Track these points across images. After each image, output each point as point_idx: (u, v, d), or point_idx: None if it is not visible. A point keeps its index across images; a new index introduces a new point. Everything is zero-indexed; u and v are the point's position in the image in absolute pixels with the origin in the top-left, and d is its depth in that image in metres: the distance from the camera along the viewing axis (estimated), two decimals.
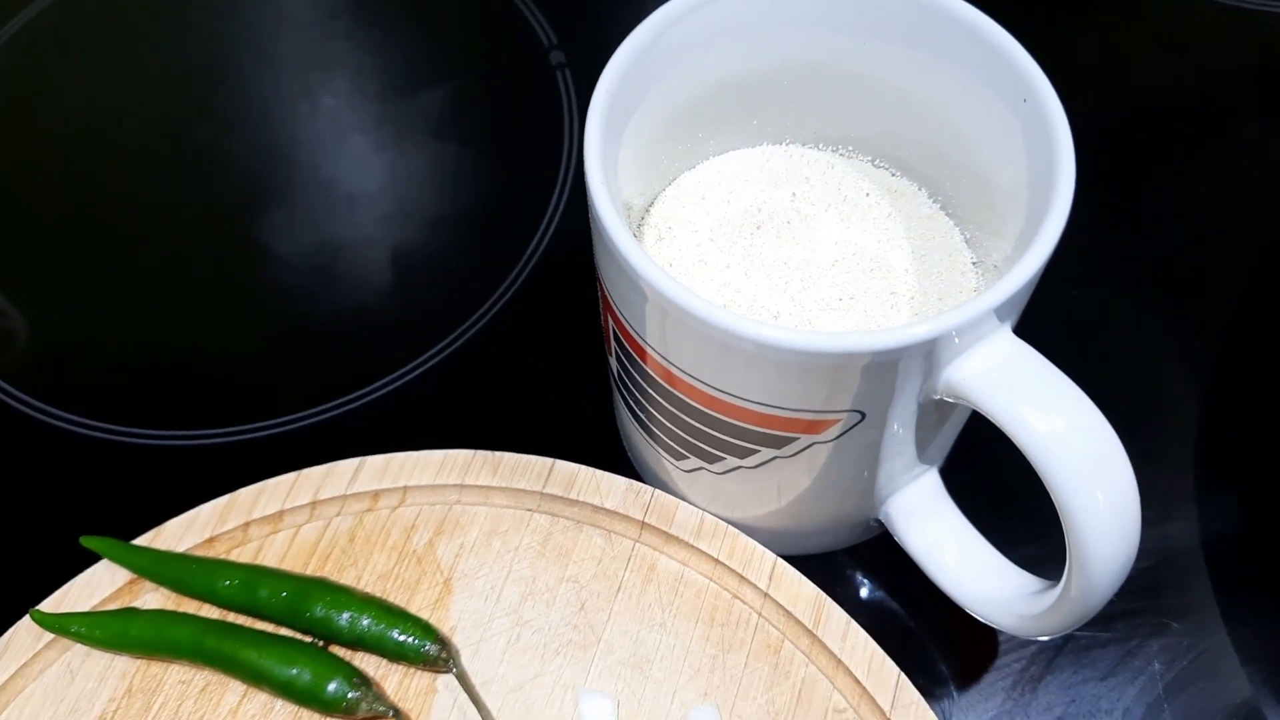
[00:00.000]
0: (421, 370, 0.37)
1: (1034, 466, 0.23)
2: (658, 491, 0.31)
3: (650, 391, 0.28)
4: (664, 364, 0.26)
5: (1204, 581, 0.33)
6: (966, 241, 0.30)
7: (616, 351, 0.28)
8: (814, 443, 0.26)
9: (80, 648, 0.30)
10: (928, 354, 0.23)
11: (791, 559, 0.31)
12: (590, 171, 0.24)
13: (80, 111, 0.45)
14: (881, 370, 0.23)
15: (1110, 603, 0.32)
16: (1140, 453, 0.34)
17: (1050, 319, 0.36)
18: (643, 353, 0.26)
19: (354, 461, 0.32)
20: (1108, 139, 0.41)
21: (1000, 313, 0.23)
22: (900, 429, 0.26)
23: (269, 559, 0.31)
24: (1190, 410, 0.35)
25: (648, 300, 0.24)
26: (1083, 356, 0.36)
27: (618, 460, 0.34)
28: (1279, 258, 0.38)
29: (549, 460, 0.32)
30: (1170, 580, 0.32)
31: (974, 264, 0.29)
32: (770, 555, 0.30)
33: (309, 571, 0.31)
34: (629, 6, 0.47)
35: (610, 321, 0.28)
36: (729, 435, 0.27)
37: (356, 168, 0.42)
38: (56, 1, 0.48)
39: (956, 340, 0.23)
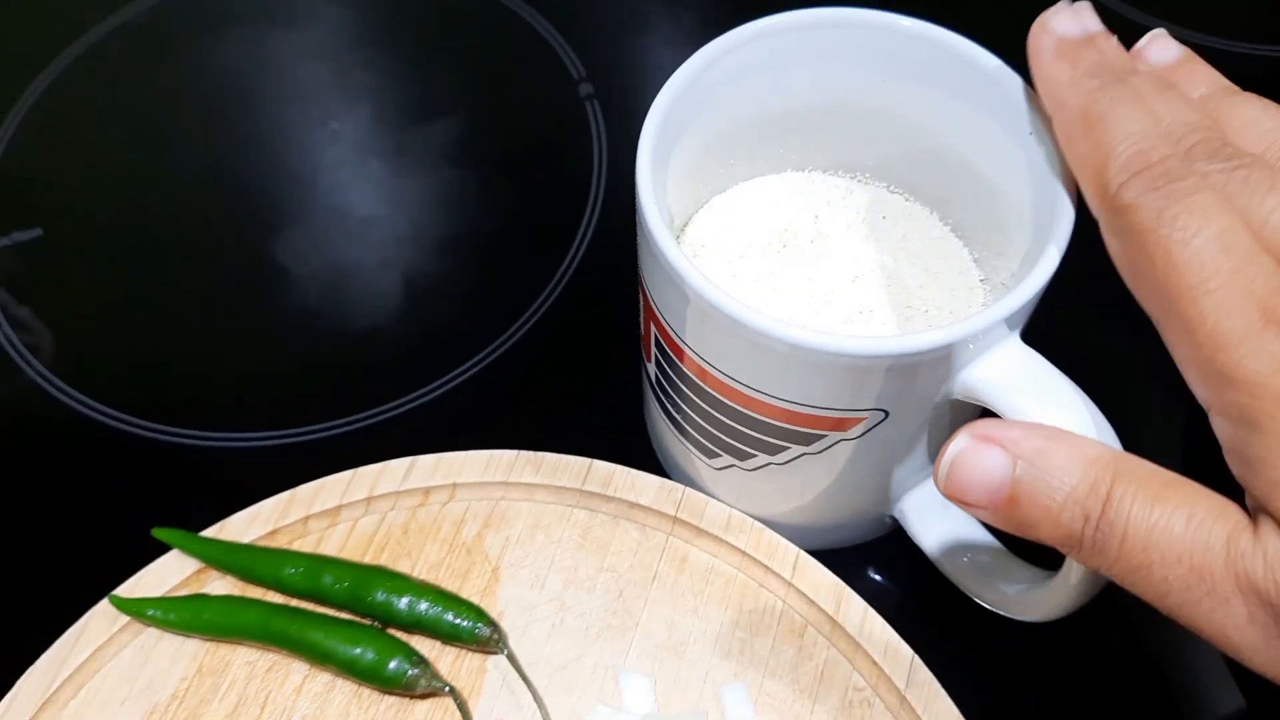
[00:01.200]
0: (464, 379, 0.40)
1: None
2: (688, 489, 0.34)
3: (687, 392, 0.30)
4: (701, 365, 0.28)
5: None
6: (974, 261, 0.33)
7: (656, 355, 0.31)
8: (840, 439, 0.28)
9: (153, 631, 0.32)
10: (945, 358, 0.26)
11: (811, 554, 0.33)
12: (642, 188, 0.27)
13: (110, 140, 0.48)
14: (904, 372, 0.26)
15: (1110, 590, 0.35)
16: (1138, 452, 0.37)
17: (1053, 329, 0.40)
18: (681, 354, 0.29)
19: (406, 460, 0.35)
20: None
21: (1010, 322, 0.26)
22: (918, 428, 0.29)
23: (328, 550, 0.34)
24: (1177, 417, 0.38)
25: (689, 303, 0.27)
26: (1078, 363, 0.39)
27: (647, 462, 0.37)
28: None
29: (587, 460, 0.35)
30: None
31: (981, 281, 0.32)
32: (794, 548, 0.33)
33: (366, 561, 0.33)
34: (653, 42, 0.50)
35: (652, 327, 0.30)
36: (761, 433, 0.29)
37: (402, 194, 0.45)
38: (96, 41, 0.51)
39: (971, 346, 0.26)
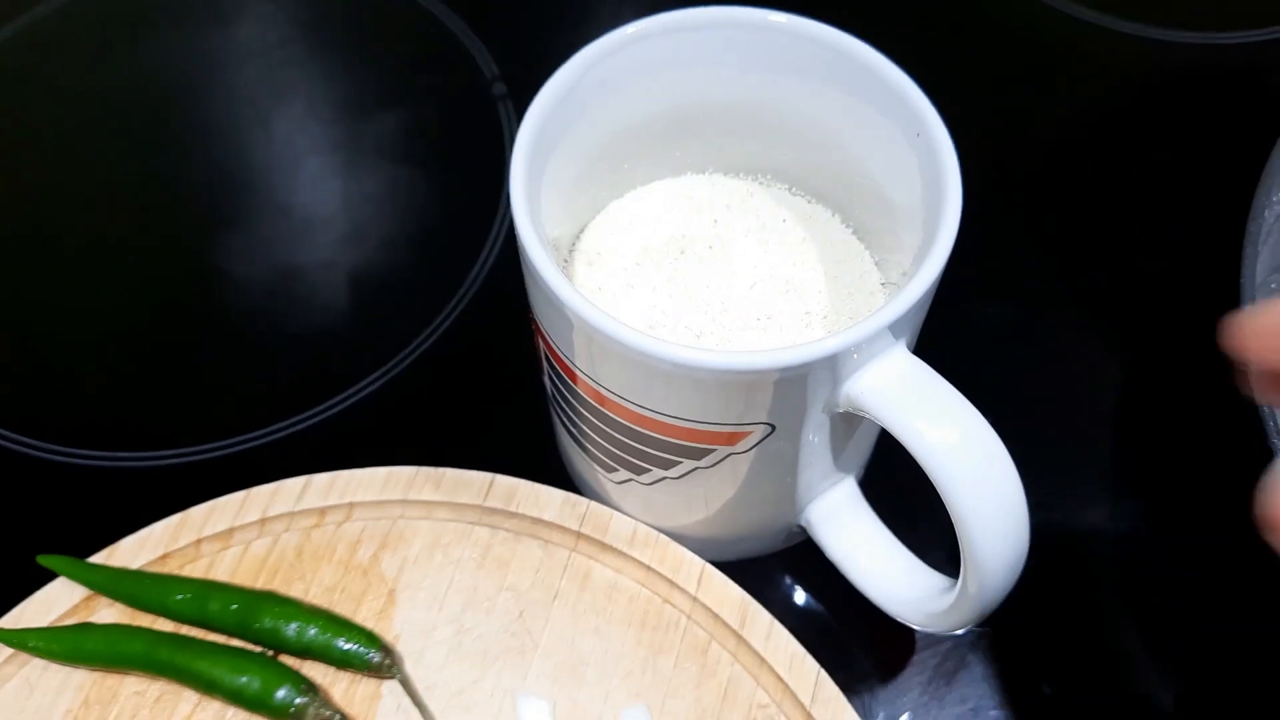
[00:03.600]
0: (368, 391, 0.38)
1: (927, 474, 0.25)
2: (593, 503, 0.33)
3: (581, 410, 0.29)
4: (592, 384, 0.27)
5: (1111, 579, 0.35)
6: (876, 264, 0.32)
7: (549, 374, 0.30)
8: (731, 453, 0.28)
9: (38, 662, 0.31)
10: (828, 370, 0.25)
11: (722, 565, 0.32)
12: (516, 207, 0.26)
13: (34, 140, 0.46)
14: (785, 385, 0.25)
15: (1021, 600, 0.34)
16: (1051, 461, 0.36)
17: (964, 335, 0.39)
18: (573, 375, 0.28)
19: (301, 480, 0.34)
20: (1012, 167, 0.44)
21: (894, 330, 0.25)
22: (811, 439, 0.28)
23: (220, 574, 0.33)
24: (1100, 419, 0.38)
25: (574, 327, 0.26)
26: (999, 370, 0.39)
27: (556, 475, 0.36)
28: (1181, 275, 0.41)
29: (489, 475, 0.34)
30: (1077, 579, 0.35)
31: (883, 285, 0.31)
32: (699, 561, 0.32)
33: (258, 585, 0.32)
34: (569, 41, 0.48)
35: (542, 346, 0.29)
36: (653, 448, 0.28)
37: (305, 191, 0.44)
38: (8, 37, 0.49)
39: (855, 356, 0.25)
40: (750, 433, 0.27)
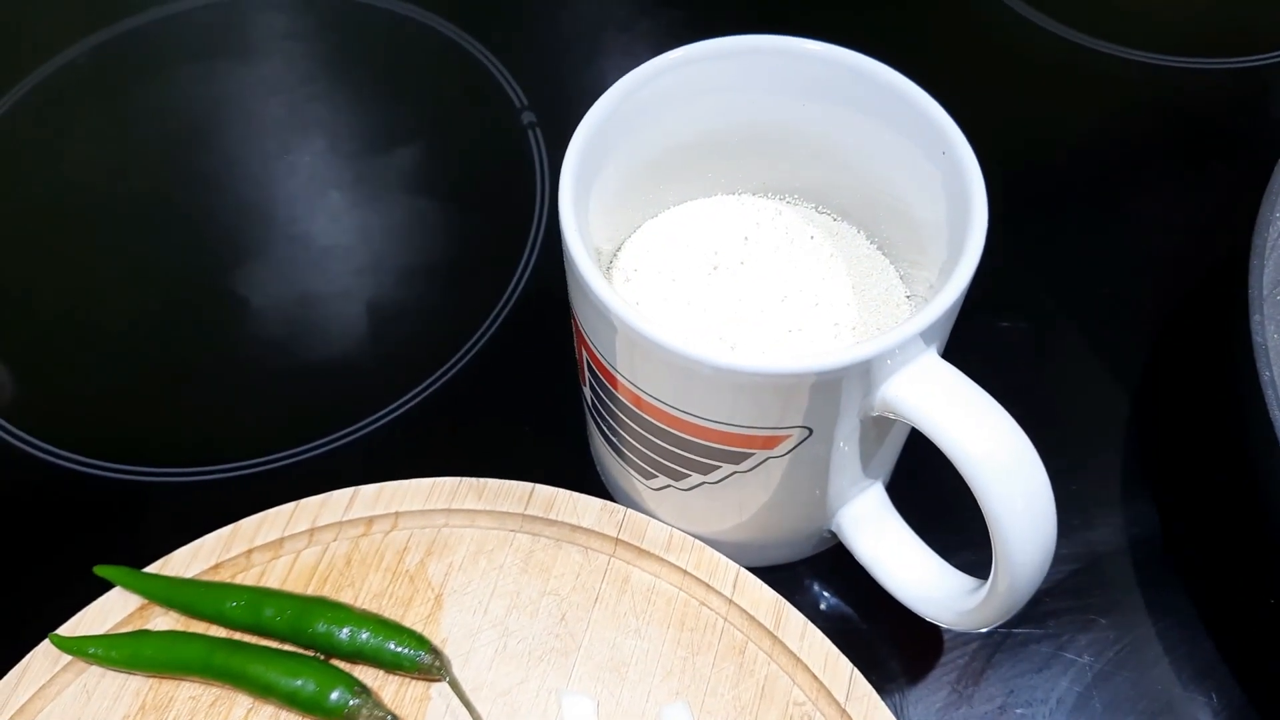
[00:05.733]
0: (409, 407, 0.40)
1: (960, 472, 0.26)
2: (630, 510, 0.34)
3: (621, 416, 0.31)
4: (633, 390, 0.29)
5: (1127, 581, 0.36)
6: (901, 278, 0.33)
7: (590, 381, 0.32)
8: (768, 457, 0.29)
9: (96, 669, 0.32)
10: (863, 374, 0.26)
11: (753, 571, 0.34)
12: (565, 221, 0.28)
13: (65, 174, 0.48)
14: (823, 389, 0.26)
15: (1043, 603, 0.35)
16: (1067, 467, 0.38)
17: (985, 347, 0.40)
18: (614, 380, 0.29)
19: (348, 491, 0.35)
20: (1026, 185, 0.46)
21: (926, 336, 0.26)
22: (845, 444, 0.29)
23: (271, 582, 0.34)
24: (1113, 428, 0.39)
25: (618, 333, 0.27)
26: (1014, 380, 0.40)
27: (592, 484, 0.37)
28: (1187, 288, 0.42)
29: (529, 485, 0.35)
30: (1096, 581, 0.36)
31: (908, 297, 0.33)
32: (734, 565, 0.33)
33: (309, 592, 0.33)
34: (594, 71, 0.50)
35: (584, 354, 0.31)
36: (693, 453, 0.30)
37: (338, 223, 0.45)
38: (53, 75, 0.51)
39: (889, 362, 0.26)
40: (788, 436, 0.28)
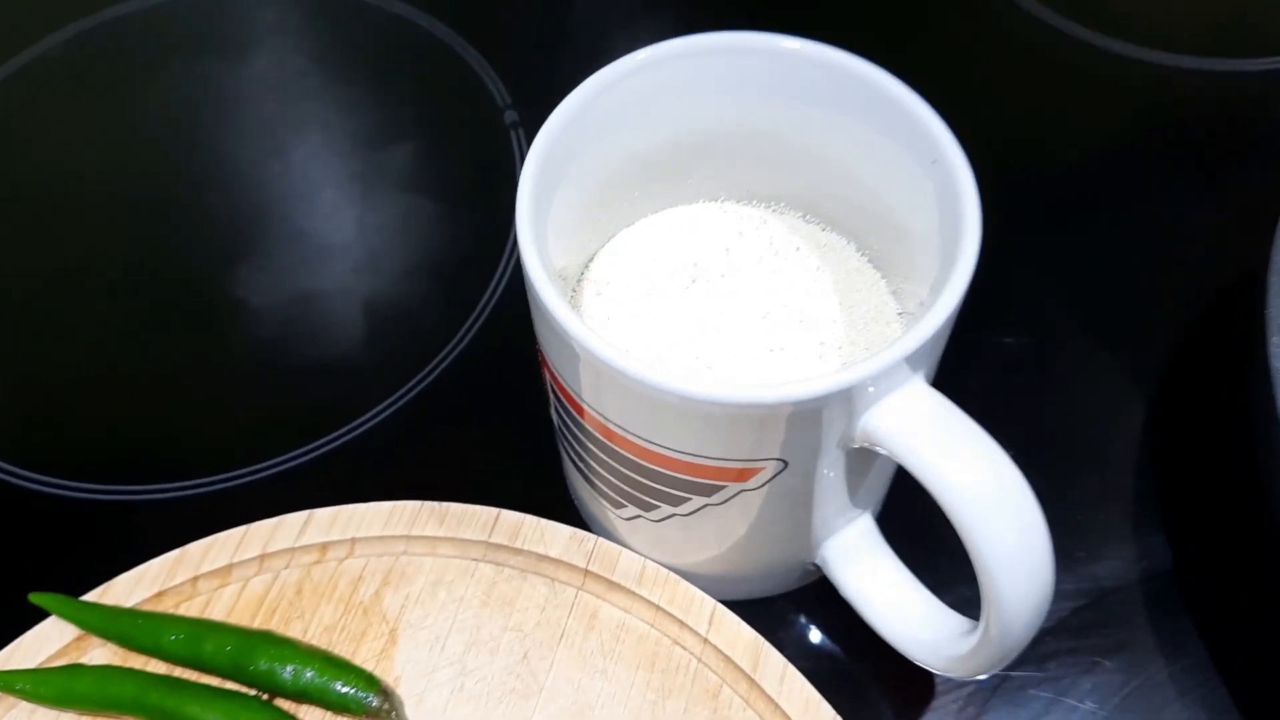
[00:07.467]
0: (374, 423, 0.38)
1: (946, 512, 0.23)
2: (601, 539, 0.32)
3: (588, 444, 0.28)
4: (599, 419, 0.27)
5: (1136, 619, 0.33)
6: (893, 293, 0.31)
7: (556, 407, 0.29)
8: (742, 490, 0.27)
9: (27, 705, 0.30)
10: (842, 403, 0.24)
11: (733, 605, 0.31)
12: (523, 239, 0.25)
13: (53, 174, 0.46)
14: (798, 420, 0.24)
15: (1044, 643, 0.33)
16: (1072, 494, 0.35)
17: (978, 366, 0.38)
18: (580, 409, 0.27)
19: (302, 515, 0.33)
20: (1026, 193, 0.43)
21: (912, 362, 0.24)
22: (825, 475, 0.27)
23: (216, 613, 0.32)
24: (1122, 453, 0.37)
25: (580, 359, 0.25)
26: (1016, 401, 0.37)
27: (564, 508, 0.35)
28: (1202, 304, 0.40)
29: (494, 510, 0.33)
30: (1101, 619, 0.33)
31: (899, 315, 0.30)
32: (710, 601, 0.31)
33: (256, 624, 0.31)
34: (582, 69, 0.48)
35: (549, 379, 0.28)
36: (662, 484, 0.27)
37: (318, 219, 0.43)
38: (27, 65, 0.49)
39: (871, 389, 0.24)
40: (762, 469, 0.26)
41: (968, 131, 0.27)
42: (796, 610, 0.34)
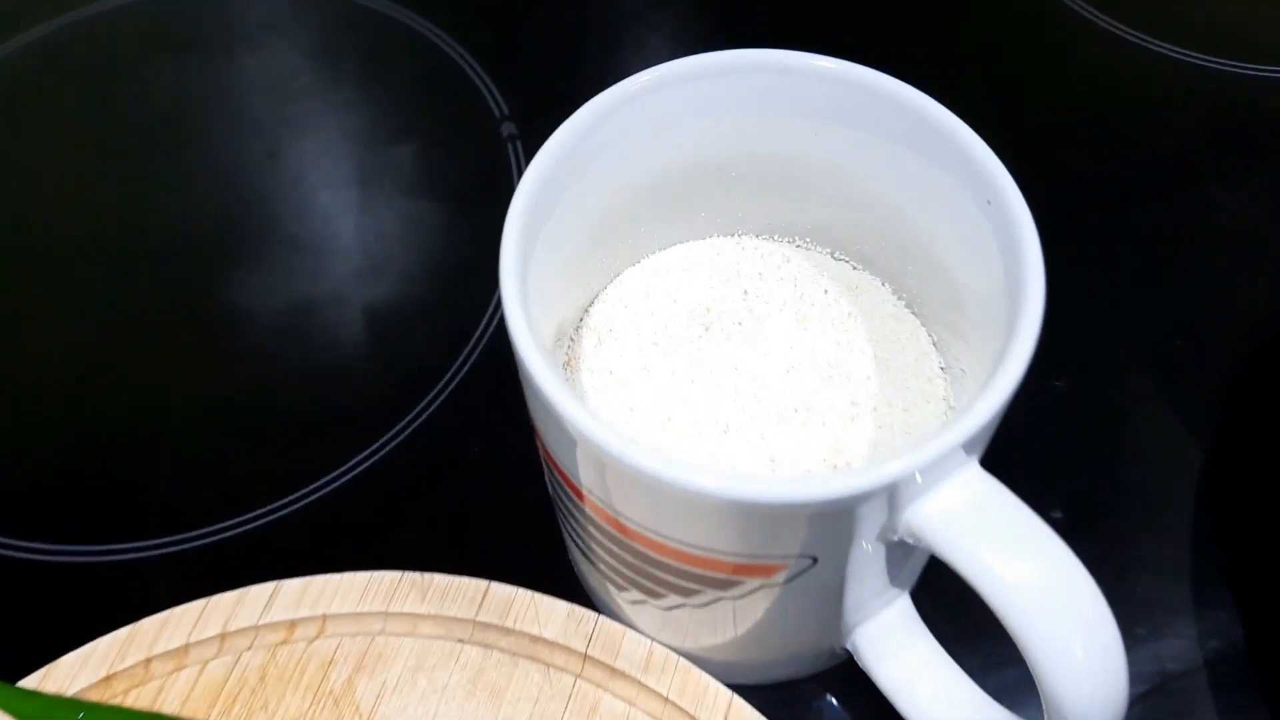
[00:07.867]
0: (350, 477, 0.34)
1: (1003, 624, 0.20)
2: (602, 618, 0.28)
3: (589, 528, 0.25)
4: (599, 505, 0.23)
5: (1204, 707, 0.30)
6: (935, 344, 0.27)
7: (552, 483, 0.26)
8: (763, 585, 0.23)
9: None
10: (884, 498, 0.20)
11: (753, 688, 0.28)
12: (509, 300, 0.22)
13: (41, 178, 0.43)
14: (831, 517, 0.20)
15: None
16: (1130, 561, 0.32)
17: (1032, 413, 0.34)
18: (578, 493, 0.23)
19: (269, 586, 0.29)
20: (1072, 218, 0.39)
21: (968, 447, 0.20)
22: (859, 568, 0.23)
23: (171, 701, 0.28)
24: (1185, 512, 0.33)
25: (577, 445, 0.21)
26: (1066, 455, 0.34)
27: (564, 576, 0.31)
28: (1271, 342, 0.36)
29: (484, 582, 0.29)
30: (1167, 709, 0.30)
31: (942, 370, 0.27)
32: (726, 692, 0.27)
33: (215, 715, 0.28)
34: (580, 83, 0.44)
35: (542, 453, 0.25)
36: (672, 576, 0.24)
37: (310, 229, 0.40)
38: (9, 55, 0.46)
39: (919, 479, 0.20)
40: (786, 565, 0.22)
41: (1010, 147, 0.23)
42: (823, 691, 0.30)
